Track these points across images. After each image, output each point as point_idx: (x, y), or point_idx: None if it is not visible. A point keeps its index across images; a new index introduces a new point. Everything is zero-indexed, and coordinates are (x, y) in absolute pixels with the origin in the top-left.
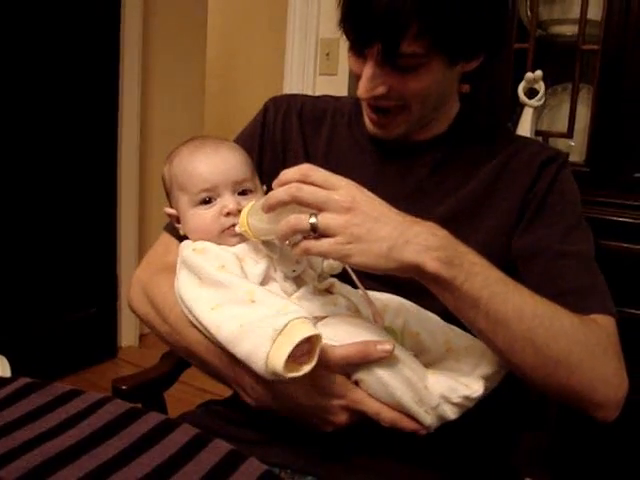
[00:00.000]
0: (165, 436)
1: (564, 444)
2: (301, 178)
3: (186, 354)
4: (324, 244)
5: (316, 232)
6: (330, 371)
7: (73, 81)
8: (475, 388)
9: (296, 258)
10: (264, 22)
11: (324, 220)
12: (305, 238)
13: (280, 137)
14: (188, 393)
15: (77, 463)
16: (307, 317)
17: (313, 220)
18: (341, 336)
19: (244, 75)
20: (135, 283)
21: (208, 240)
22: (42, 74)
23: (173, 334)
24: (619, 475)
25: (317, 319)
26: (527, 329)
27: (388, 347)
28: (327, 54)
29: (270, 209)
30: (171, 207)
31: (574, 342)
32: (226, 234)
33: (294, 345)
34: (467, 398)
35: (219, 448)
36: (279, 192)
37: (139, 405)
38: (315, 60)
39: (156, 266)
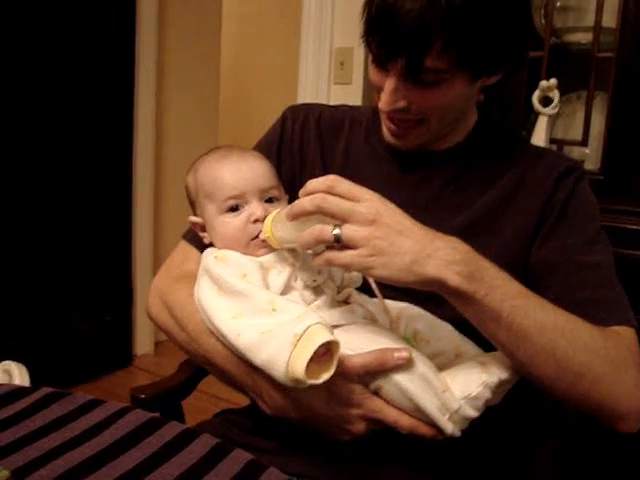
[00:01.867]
0: (186, 446)
1: (581, 455)
2: (326, 189)
3: (204, 362)
4: (347, 256)
5: (339, 243)
6: (348, 380)
7: (89, 89)
8: (492, 372)
9: (318, 268)
10: (278, 31)
11: (348, 232)
12: (328, 249)
13: (298, 146)
14: (203, 401)
15: (100, 472)
16: (325, 324)
17: (337, 231)
18: (358, 343)
19: (259, 84)
20: (153, 291)
21: (235, 249)
22: (58, 83)
23: (191, 342)
24: None
25: (335, 327)
26: (548, 342)
27: (405, 354)
28: (341, 63)
29: (295, 218)
30: (195, 216)
31: (595, 354)
32: (254, 244)
33: (315, 349)
34: (485, 385)
35: (239, 458)
36: (304, 201)
37: (157, 414)
38: (329, 69)
39: (174, 274)
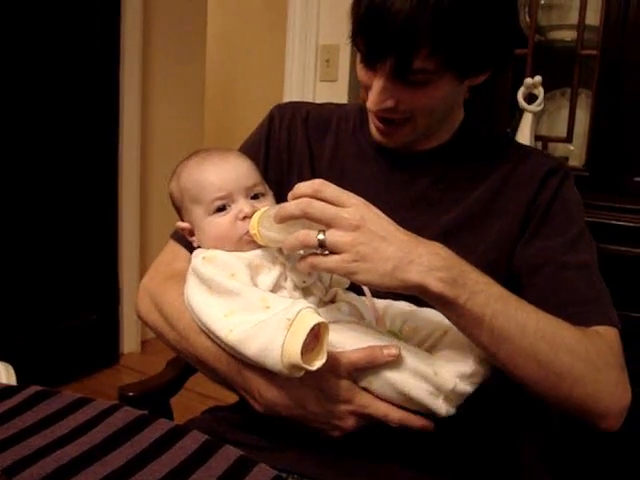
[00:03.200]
0: (175, 443)
1: (567, 446)
2: (313, 194)
3: (194, 361)
4: (331, 261)
5: (324, 248)
6: (338, 376)
7: (74, 89)
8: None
9: (305, 272)
10: (264, 29)
11: (332, 237)
12: (313, 253)
13: (285, 145)
14: (191, 399)
15: (90, 470)
16: (315, 309)
17: (321, 236)
18: (347, 341)
19: (244, 82)
20: (142, 291)
21: (226, 247)
22: (43, 82)
23: (182, 341)
24: (622, 477)
25: None
26: (530, 344)
27: (394, 351)
28: (327, 60)
29: (282, 221)
30: (182, 221)
31: (576, 355)
32: (244, 240)
33: (308, 331)
34: (481, 362)
35: (229, 454)
36: (291, 205)
37: (146, 412)
38: (315, 66)
39: (164, 274)
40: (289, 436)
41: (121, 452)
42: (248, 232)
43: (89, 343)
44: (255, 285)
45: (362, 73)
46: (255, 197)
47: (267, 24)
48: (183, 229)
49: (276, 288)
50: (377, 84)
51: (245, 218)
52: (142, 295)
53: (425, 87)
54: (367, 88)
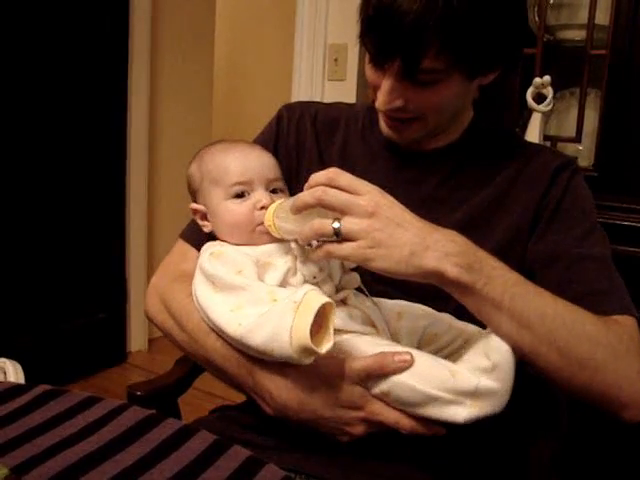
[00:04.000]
0: (184, 442)
1: (576, 451)
2: (327, 182)
3: (204, 362)
4: (346, 248)
5: (339, 236)
6: (349, 382)
7: (83, 91)
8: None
9: (320, 265)
10: (272, 27)
11: (347, 224)
12: (328, 242)
13: (294, 144)
14: (199, 398)
15: (99, 469)
16: (319, 291)
17: (336, 224)
18: (362, 349)
19: (252, 81)
20: (151, 291)
21: (239, 235)
22: (52, 81)
23: (191, 342)
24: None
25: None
26: (550, 331)
27: (406, 357)
28: (335, 59)
29: (297, 211)
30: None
31: (597, 343)
32: (257, 231)
33: (315, 311)
34: (499, 351)
35: (238, 454)
36: (306, 195)
37: (155, 411)
38: (323, 65)
39: (173, 274)
40: (298, 436)
41: (130, 452)
42: (263, 223)
43: (97, 341)
44: (262, 281)
45: (371, 73)
46: (274, 191)
47: (276, 23)
48: (196, 211)
49: (283, 284)
50: (386, 84)
51: (262, 208)
52: (151, 295)
53: (434, 86)
54: (376, 88)
